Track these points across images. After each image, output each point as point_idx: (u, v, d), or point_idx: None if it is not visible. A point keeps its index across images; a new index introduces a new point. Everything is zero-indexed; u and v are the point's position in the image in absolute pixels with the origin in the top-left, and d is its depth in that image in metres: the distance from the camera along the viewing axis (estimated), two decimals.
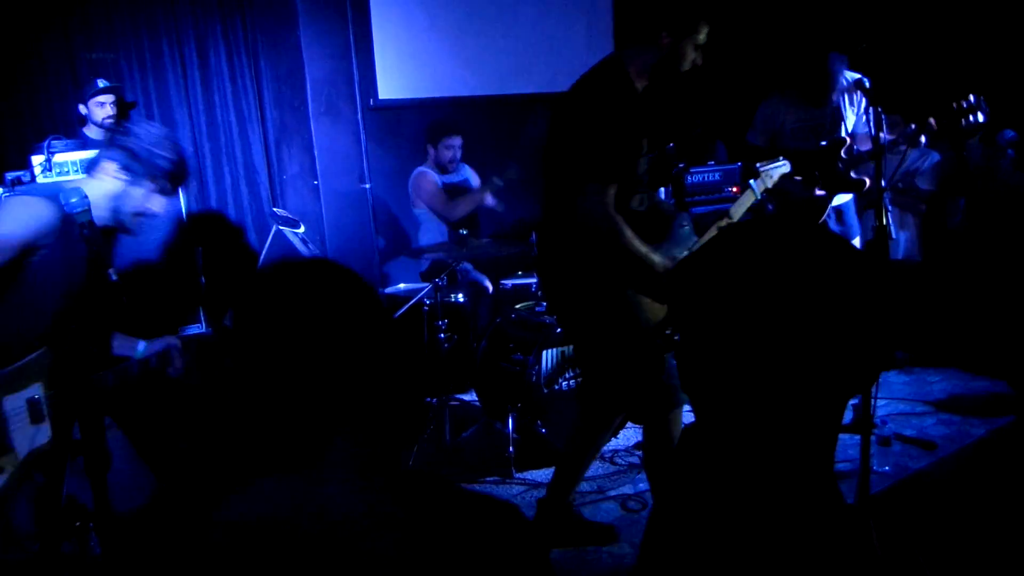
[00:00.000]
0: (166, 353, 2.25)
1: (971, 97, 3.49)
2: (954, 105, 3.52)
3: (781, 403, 0.94)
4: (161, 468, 2.47)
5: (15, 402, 2.01)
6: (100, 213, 2.16)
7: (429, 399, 4.14)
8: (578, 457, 2.92)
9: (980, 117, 3.48)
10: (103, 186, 2.16)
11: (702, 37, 2.56)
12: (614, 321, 2.60)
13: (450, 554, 0.96)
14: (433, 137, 4.79)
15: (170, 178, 2.23)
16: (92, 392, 1.79)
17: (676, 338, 2.62)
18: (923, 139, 3.62)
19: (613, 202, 2.47)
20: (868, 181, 4.11)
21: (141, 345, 2.29)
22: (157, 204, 2.24)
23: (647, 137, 2.64)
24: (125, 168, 2.16)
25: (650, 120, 2.61)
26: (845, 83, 4.10)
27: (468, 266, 4.75)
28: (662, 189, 4.74)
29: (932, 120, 3.58)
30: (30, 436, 2.03)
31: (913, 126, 3.67)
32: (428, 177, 4.75)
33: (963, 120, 3.51)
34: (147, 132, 2.19)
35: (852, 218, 4.39)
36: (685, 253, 2.70)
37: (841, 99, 4.14)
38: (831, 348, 0.92)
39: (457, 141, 4.78)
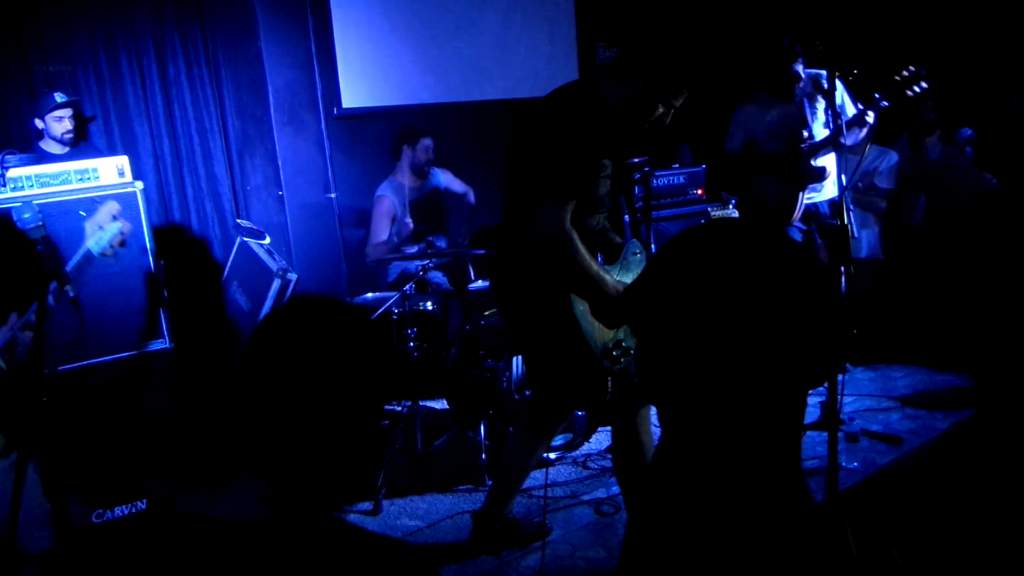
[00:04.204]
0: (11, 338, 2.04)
1: (911, 67, 3.55)
2: (896, 77, 3.58)
3: (744, 403, 0.94)
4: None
5: None
6: None
7: (400, 408, 4.12)
8: (519, 468, 2.95)
9: (924, 84, 3.54)
10: None
11: (678, 102, 2.55)
12: (560, 337, 2.58)
13: None
14: (411, 138, 4.77)
15: None
16: (41, 410, 1.76)
17: (622, 360, 2.62)
18: (871, 116, 3.67)
19: (569, 219, 2.45)
20: (827, 170, 4.18)
21: None
22: None
23: (610, 159, 2.63)
24: None
25: (614, 143, 2.60)
26: (804, 74, 4.17)
27: (438, 277, 4.72)
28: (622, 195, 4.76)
29: (878, 95, 3.63)
30: None
31: (861, 106, 3.73)
32: (384, 205, 4.72)
33: (908, 90, 3.57)
34: None
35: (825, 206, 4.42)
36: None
37: (804, 98, 4.22)
38: (789, 346, 0.93)
39: (431, 142, 4.79)
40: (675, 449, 1.03)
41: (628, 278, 2.69)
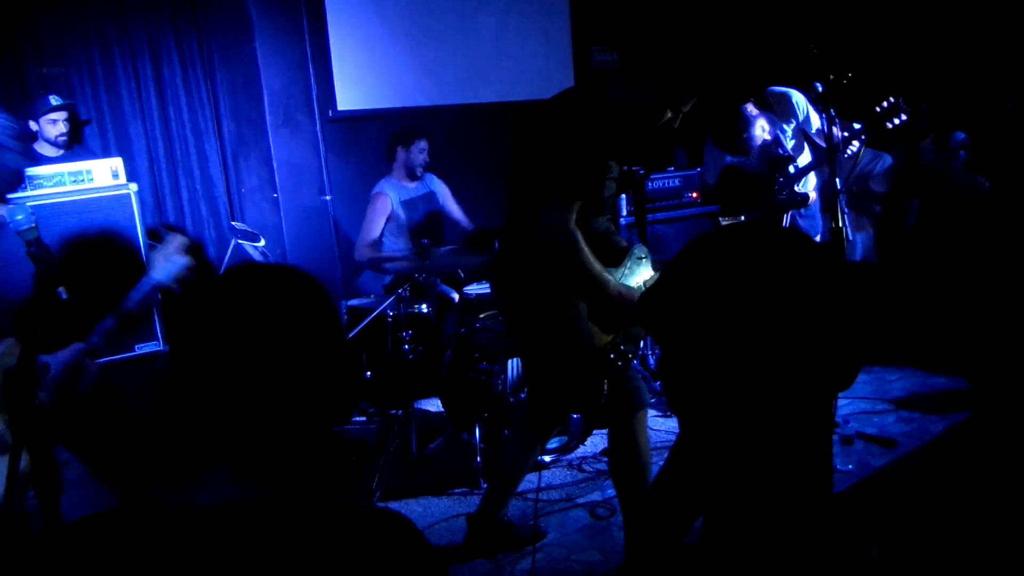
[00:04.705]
0: (76, 364, 2.04)
1: (890, 99, 3.58)
2: (877, 109, 3.60)
3: (772, 408, 0.93)
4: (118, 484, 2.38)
5: None
6: None
7: (395, 411, 4.11)
8: (515, 471, 2.96)
9: (903, 117, 3.57)
10: None
11: (686, 107, 2.57)
12: (557, 337, 2.58)
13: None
14: (405, 140, 4.74)
15: (18, 150, 2.10)
16: (41, 416, 1.75)
17: (620, 364, 2.61)
18: (855, 145, 3.71)
19: (573, 219, 2.45)
20: (813, 195, 4.25)
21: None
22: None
23: (616, 160, 2.64)
24: None
25: (621, 146, 2.61)
26: (758, 129, 4.24)
27: (434, 279, 4.72)
28: (623, 196, 4.78)
29: (857, 125, 3.67)
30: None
31: (845, 133, 3.78)
32: (380, 202, 4.70)
33: (888, 122, 3.60)
34: None
35: (816, 212, 4.50)
36: (640, 283, 2.71)
37: (776, 123, 4.30)
38: (816, 348, 0.92)
39: (426, 144, 4.77)
40: (696, 453, 1.02)
41: (632, 281, 2.69)
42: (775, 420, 0.96)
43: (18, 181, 2.18)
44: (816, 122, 4.23)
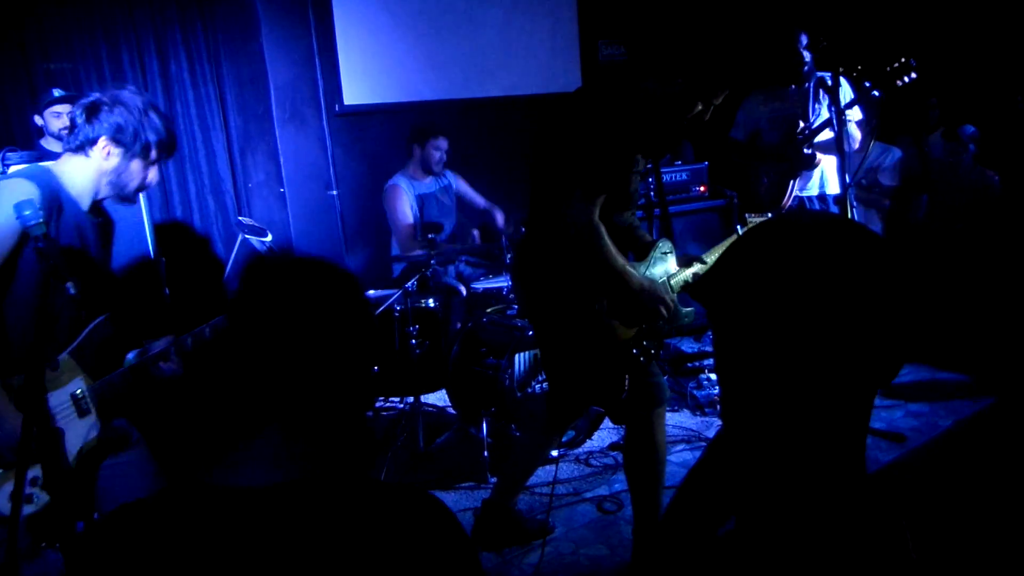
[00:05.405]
0: (163, 354, 2.17)
1: (902, 58, 3.57)
2: (887, 68, 3.59)
3: (816, 400, 0.93)
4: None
5: (60, 397, 2.05)
6: (96, 190, 2.15)
7: (402, 405, 4.11)
8: (528, 461, 2.96)
9: (913, 75, 3.56)
10: (97, 164, 2.12)
11: (718, 99, 2.55)
12: (580, 331, 2.56)
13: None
14: (420, 137, 4.72)
15: (163, 148, 2.20)
16: (44, 406, 1.77)
17: (642, 359, 2.60)
18: (859, 109, 3.68)
19: (597, 213, 2.42)
20: (819, 156, 4.23)
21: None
22: (153, 175, 2.22)
23: (642, 154, 2.61)
24: (116, 142, 2.11)
25: (648, 139, 2.58)
26: (809, 60, 4.21)
27: (443, 270, 4.71)
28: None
29: (868, 83, 3.65)
30: (77, 430, 2.07)
31: (855, 95, 3.75)
32: (400, 195, 4.69)
33: (899, 80, 3.59)
34: (133, 101, 2.13)
35: (831, 207, 4.48)
36: (662, 279, 2.70)
37: (811, 97, 4.26)
38: (865, 341, 0.91)
39: (444, 143, 4.73)
40: (738, 445, 1.02)
41: (656, 275, 2.68)
42: (823, 410, 0.95)
43: None
44: (856, 114, 4.19)
